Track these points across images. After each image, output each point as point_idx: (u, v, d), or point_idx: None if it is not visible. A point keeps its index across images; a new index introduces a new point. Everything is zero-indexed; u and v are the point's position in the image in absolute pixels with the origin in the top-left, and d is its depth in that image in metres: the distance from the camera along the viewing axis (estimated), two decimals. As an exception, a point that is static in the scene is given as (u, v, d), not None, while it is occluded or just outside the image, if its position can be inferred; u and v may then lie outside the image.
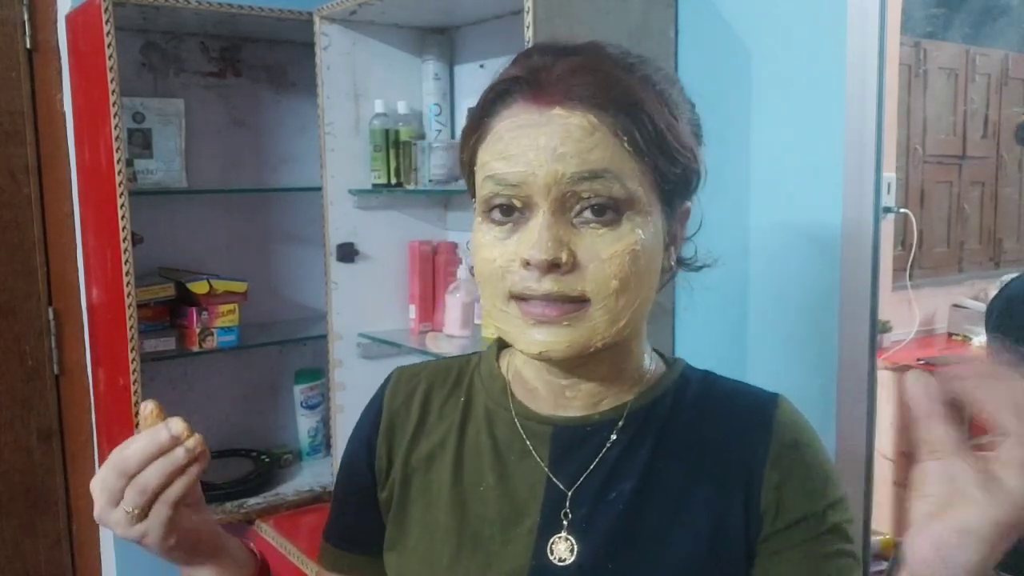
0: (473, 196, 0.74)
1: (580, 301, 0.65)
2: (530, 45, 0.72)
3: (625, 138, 0.66)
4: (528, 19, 1.32)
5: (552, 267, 0.64)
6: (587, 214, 0.65)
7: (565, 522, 0.72)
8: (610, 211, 0.65)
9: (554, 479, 0.74)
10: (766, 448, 0.71)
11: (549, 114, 0.66)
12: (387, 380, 0.87)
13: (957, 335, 1.80)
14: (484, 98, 0.71)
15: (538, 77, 0.67)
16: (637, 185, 0.66)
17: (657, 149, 0.67)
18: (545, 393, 0.76)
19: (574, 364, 0.71)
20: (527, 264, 0.65)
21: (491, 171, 0.68)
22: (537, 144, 0.65)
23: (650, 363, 0.78)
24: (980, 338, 1.77)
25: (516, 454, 0.76)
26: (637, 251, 0.66)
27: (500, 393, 0.79)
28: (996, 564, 0.49)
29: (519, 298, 0.67)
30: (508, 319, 0.68)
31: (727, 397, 0.77)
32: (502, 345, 0.83)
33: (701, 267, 0.79)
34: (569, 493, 0.73)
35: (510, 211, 0.67)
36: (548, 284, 0.65)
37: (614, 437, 0.73)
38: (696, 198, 0.76)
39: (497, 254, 0.68)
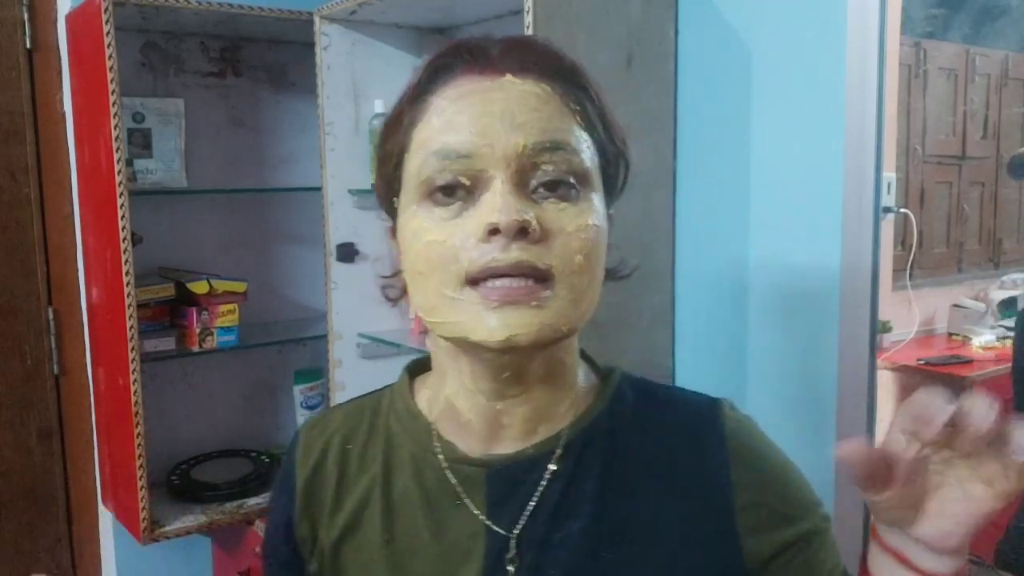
0: (386, 198, 0.68)
1: (545, 279, 0.59)
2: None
3: (577, 109, 0.63)
4: (528, 19, 1.32)
5: (521, 233, 0.58)
6: (543, 189, 0.60)
7: (512, 568, 0.66)
8: (568, 185, 0.61)
9: (494, 527, 0.67)
10: (724, 459, 0.68)
11: (500, 81, 0.61)
12: (294, 443, 0.77)
13: (957, 335, 1.80)
14: (418, 78, 0.65)
15: (483, 52, 0.63)
16: (590, 161, 0.63)
17: (601, 124, 0.64)
18: (479, 424, 0.68)
19: (515, 377, 0.65)
20: (493, 232, 0.58)
21: (436, 145, 0.60)
22: (492, 111, 0.60)
23: (583, 379, 0.72)
24: (980, 338, 1.77)
25: (449, 503, 0.68)
26: (598, 227, 0.62)
27: (424, 435, 0.71)
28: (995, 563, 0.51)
29: (474, 282, 0.59)
30: (461, 308, 0.60)
31: (666, 408, 0.72)
32: (414, 374, 0.76)
33: (622, 276, 0.73)
34: (512, 537, 0.66)
35: (452, 191, 0.60)
36: (517, 253, 0.58)
37: (553, 467, 0.67)
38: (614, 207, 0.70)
39: (447, 234, 0.59)
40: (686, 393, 0.74)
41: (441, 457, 0.69)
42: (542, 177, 0.60)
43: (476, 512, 0.67)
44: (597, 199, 0.63)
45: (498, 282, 0.58)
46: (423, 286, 0.62)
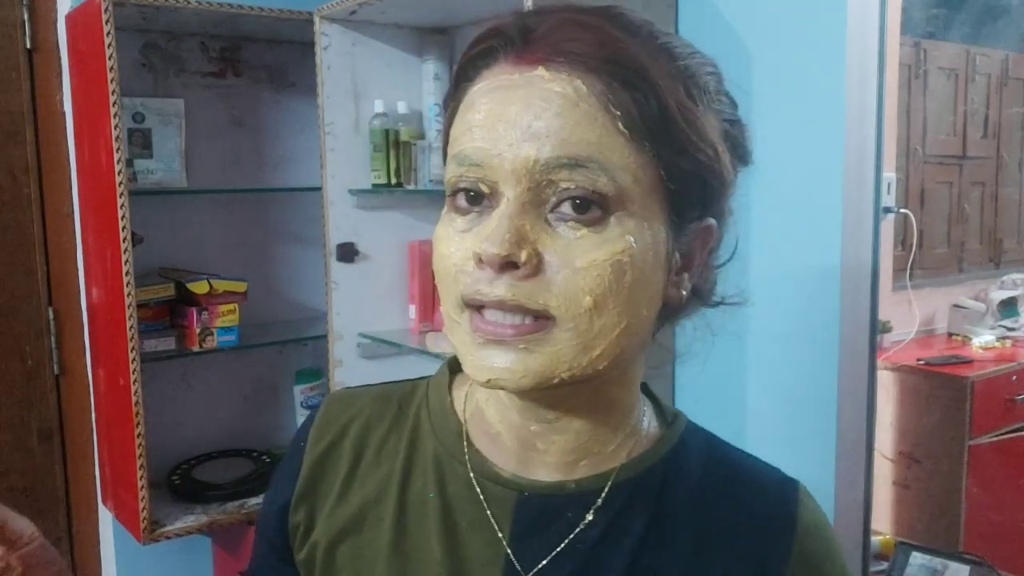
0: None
1: (542, 318, 0.52)
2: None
3: (619, 113, 0.51)
4: (528, 19, 1.32)
5: (507, 266, 0.51)
6: (566, 208, 0.51)
7: None
8: (595, 208, 0.51)
9: (513, 560, 0.59)
10: (787, 550, 0.59)
11: (529, 75, 0.52)
12: (311, 416, 0.69)
13: (957, 335, 1.80)
14: (464, 58, 0.57)
15: (525, 33, 0.54)
16: (631, 179, 0.51)
17: (662, 133, 0.52)
18: (511, 442, 0.61)
19: (548, 401, 0.58)
20: (480, 261, 0.51)
21: (457, 147, 0.54)
22: (507, 115, 0.51)
23: (643, 421, 0.63)
24: (980, 338, 1.77)
25: (469, 521, 0.61)
26: (623, 263, 0.51)
27: (454, 439, 0.63)
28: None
29: (471, 306, 0.53)
30: (459, 333, 0.55)
31: (736, 476, 0.63)
32: (456, 370, 0.68)
33: (730, 304, 0.64)
34: None
35: (478, 198, 0.53)
36: (501, 289, 0.51)
37: (590, 517, 0.59)
38: (730, 219, 0.61)
39: (454, 249, 0.54)
40: (763, 466, 0.65)
41: (469, 467, 0.62)
42: (563, 195, 0.51)
43: (500, 536, 0.60)
44: (639, 225, 0.52)
45: (488, 314, 0.52)
46: (440, 297, 0.57)
